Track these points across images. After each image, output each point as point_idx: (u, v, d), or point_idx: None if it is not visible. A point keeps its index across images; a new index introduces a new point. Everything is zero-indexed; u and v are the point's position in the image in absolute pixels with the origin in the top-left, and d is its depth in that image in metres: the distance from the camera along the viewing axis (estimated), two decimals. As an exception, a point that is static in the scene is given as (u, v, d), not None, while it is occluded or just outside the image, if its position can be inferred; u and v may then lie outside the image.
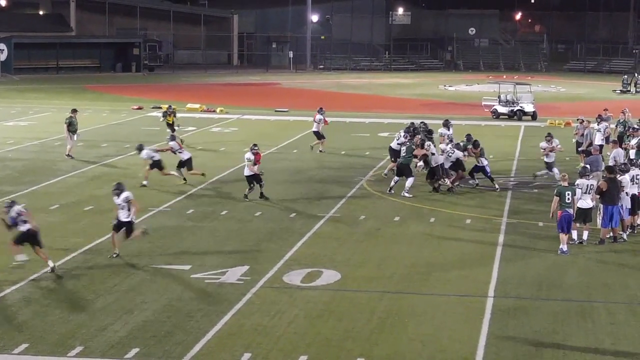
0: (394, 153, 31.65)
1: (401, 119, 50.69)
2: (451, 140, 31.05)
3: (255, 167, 27.76)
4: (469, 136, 30.98)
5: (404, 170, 28.99)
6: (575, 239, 22.75)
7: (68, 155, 35.61)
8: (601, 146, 33.56)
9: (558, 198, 22.05)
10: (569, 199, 21.95)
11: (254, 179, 27.85)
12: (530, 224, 25.37)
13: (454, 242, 23.19)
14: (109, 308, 17.56)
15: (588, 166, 25.32)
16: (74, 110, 37.10)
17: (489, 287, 19.28)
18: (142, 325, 16.65)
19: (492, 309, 17.83)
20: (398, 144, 31.40)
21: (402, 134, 31.68)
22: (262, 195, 27.90)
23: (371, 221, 25.42)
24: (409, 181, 28.74)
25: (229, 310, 17.47)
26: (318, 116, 39.07)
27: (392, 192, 28.90)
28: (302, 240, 23.14)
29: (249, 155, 27.62)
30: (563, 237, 21.99)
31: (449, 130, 33.52)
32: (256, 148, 27.93)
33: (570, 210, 21.99)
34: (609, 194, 22.89)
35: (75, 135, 36.20)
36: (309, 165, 34.93)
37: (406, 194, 28.50)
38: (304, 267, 20.60)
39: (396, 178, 29.13)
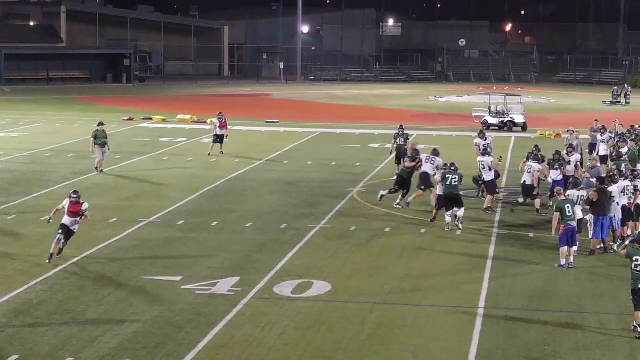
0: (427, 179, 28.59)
1: (392, 130, 50.76)
2: (486, 150, 30.06)
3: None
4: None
5: (456, 201, 25.99)
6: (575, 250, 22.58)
7: (98, 169, 34.79)
8: (606, 157, 33.58)
9: (559, 213, 21.87)
10: (569, 212, 21.79)
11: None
12: (520, 235, 25.40)
13: (445, 254, 23.19)
14: (100, 319, 17.52)
15: (594, 180, 25.37)
16: (101, 124, 35.94)
17: (480, 298, 19.29)
18: (133, 336, 16.61)
19: (482, 320, 17.84)
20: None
21: (437, 159, 28.43)
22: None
23: (362, 232, 25.41)
24: (462, 212, 25.89)
25: (219, 322, 17.44)
26: (214, 119, 41.01)
27: (458, 226, 25.62)
28: (293, 251, 23.12)
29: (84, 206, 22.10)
30: (564, 251, 21.81)
31: (485, 140, 33.42)
32: (75, 196, 22.09)
33: (573, 223, 21.77)
34: (599, 204, 22.91)
35: (105, 148, 35.16)
36: (299, 176, 34.93)
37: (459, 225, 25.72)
38: (294, 278, 20.58)
39: (449, 212, 25.78)
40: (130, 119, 55.85)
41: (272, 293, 19.45)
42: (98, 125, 35.80)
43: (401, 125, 36.62)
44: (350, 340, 16.59)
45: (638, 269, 16.97)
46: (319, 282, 20.23)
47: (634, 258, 17.04)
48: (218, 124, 40.53)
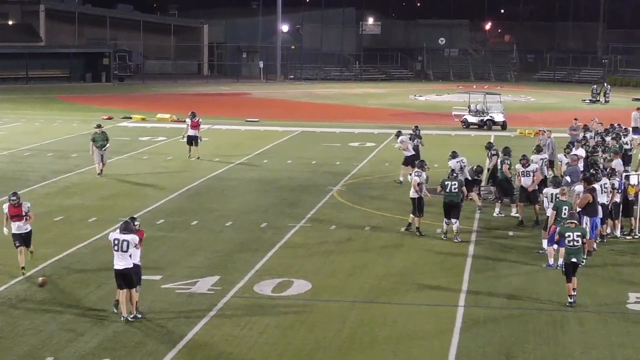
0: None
1: (372, 129, 50.93)
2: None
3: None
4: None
5: (457, 209, 24.68)
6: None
7: (99, 174, 33.75)
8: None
9: (555, 212, 21.78)
10: (565, 213, 21.62)
11: None
12: (500, 233, 25.47)
13: (425, 252, 23.23)
14: (79, 319, 17.46)
15: (568, 178, 25.38)
16: (98, 126, 34.83)
17: (460, 296, 19.34)
18: (113, 335, 16.57)
19: (462, 318, 17.88)
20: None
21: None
22: None
23: (342, 231, 25.43)
24: (457, 225, 24.60)
25: (199, 321, 17.42)
26: (188, 120, 39.22)
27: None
28: (273, 250, 23.11)
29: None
30: (551, 250, 21.75)
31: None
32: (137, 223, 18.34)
33: None
34: (593, 205, 22.84)
35: (102, 150, 33.72)
36: (279, 175, 34.91)
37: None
38: (274, 277, 20.58)
39: (447, 219, 24.65)
40: (109, 118, 55.60)
41: (252, 292, 19.44)
42: (95, 128, 34.83)
43: (416, 126, 35.41)
44: (330, 339, 16.61)
45: (571, 244, 18.87)
46: (299, 281, 20.24)
47: (566, 234, 18.99)
48: (189, 123, 38.90)
